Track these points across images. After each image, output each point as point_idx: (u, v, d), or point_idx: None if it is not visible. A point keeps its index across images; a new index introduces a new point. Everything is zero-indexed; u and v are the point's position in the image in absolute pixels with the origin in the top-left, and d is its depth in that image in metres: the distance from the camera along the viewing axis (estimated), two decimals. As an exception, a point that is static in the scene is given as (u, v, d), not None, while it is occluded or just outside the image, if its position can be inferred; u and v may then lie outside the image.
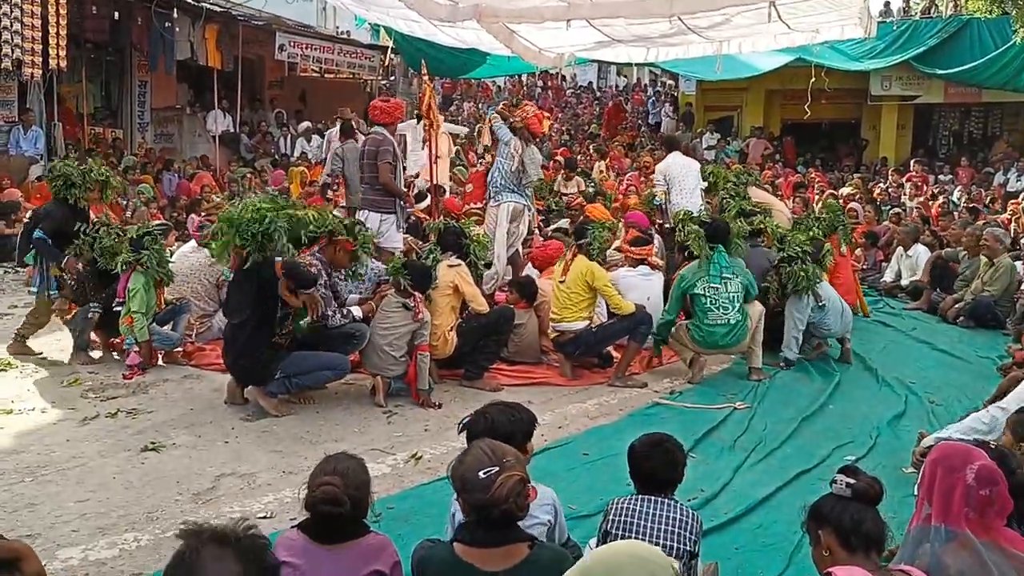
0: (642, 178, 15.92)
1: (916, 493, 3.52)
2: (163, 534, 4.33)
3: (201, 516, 4.53)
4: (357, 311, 6.54)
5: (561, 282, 7.24)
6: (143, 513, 4.56)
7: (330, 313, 6.31)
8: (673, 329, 7.34)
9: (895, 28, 20.30)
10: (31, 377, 6.91)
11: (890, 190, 16.88)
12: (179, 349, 7.30)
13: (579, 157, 20.30)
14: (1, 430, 5.72)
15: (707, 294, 7.06)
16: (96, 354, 7.29)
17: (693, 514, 3.43)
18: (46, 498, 4.72)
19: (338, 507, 2.87)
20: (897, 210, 14.03)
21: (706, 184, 10.31)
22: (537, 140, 9.19)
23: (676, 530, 3.33)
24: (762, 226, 8.57)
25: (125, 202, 13.56)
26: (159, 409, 6.16)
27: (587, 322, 7.16)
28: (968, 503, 2.97)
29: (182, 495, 4.80)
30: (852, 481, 2.94)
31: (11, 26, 12.96)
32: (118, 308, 6.98)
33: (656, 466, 3.46)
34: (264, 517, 4.54)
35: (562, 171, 14.05)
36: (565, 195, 13.07)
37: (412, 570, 2.98)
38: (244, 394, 6.27)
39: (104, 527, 4.40)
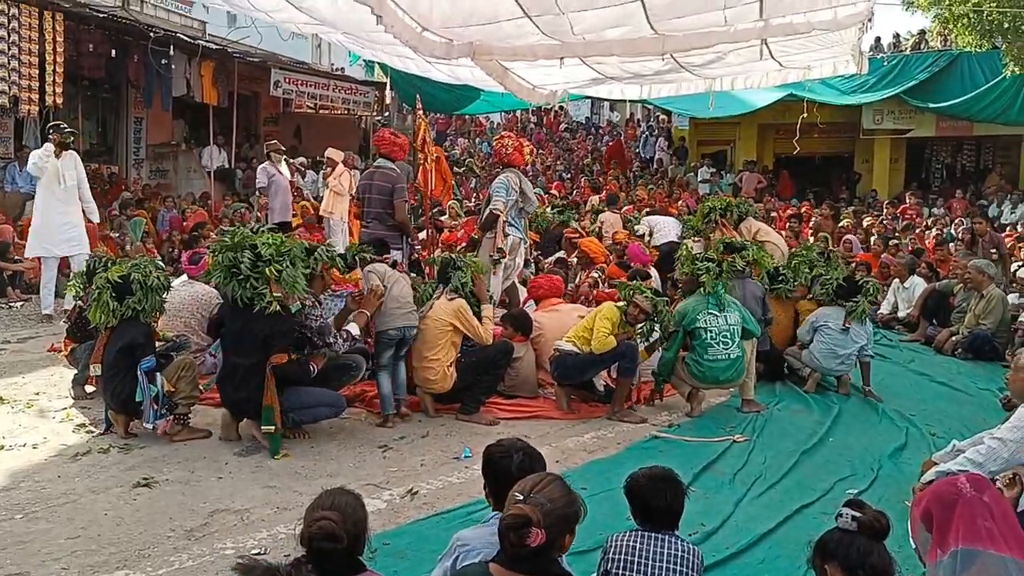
0: (635, 212, 15.96)
1: (913, 544, 3.49)
2: (155, 571, 4.26)
3: (194, 553, 4.46)
4: (354, 328, 6.47)
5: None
6: (135, 550, 4.48)
7: (331, 340, 6.24)
8: (671, 364, 7.29)
9: (885, 63, 20.47)
10: (23, 412, 6.83)
11: (885, 222, 16.93)
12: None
13: (573, 192, 20.41)
14: (-8, 466, 5.65)
15: (709, 328, 7.01)
16: (90, 388, 7.21)
17: (694, 550, 3.37)
18: (36, 535, 4.63)
19: (334, 543, 2.81)
20: (895, 242, 14.05)
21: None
22: (522, 168, 9.15)
23: (678, 567, 3.26)
24: (752, 258, 8.53)
25: (119, 236, 13.58)
26: (151, 444, 6.08)
27: (574, 348, 7.07)
28: (979, 515, 2.94)
29: (175, 531, 4.72)
30: (858, 514, 2.90)
31: (8, 63, 13.04)
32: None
33: (660, 501, 3.38)
34: (258, 553, 4.46)
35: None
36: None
37: None
38: (238, 429, 6.21)
39: (95, 565, 4.32)
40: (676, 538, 3.36)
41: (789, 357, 8.30)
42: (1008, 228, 17.23)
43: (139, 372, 5.99)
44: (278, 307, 5.87)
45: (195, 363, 6.52)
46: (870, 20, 8.54)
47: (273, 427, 5.93)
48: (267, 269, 5.87)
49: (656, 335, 7.41)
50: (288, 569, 2.56)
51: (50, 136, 10.21)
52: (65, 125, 10.55)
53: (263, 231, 6.22)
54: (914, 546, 3.49)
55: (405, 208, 8.62)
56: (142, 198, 16.75)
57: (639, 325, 7.24)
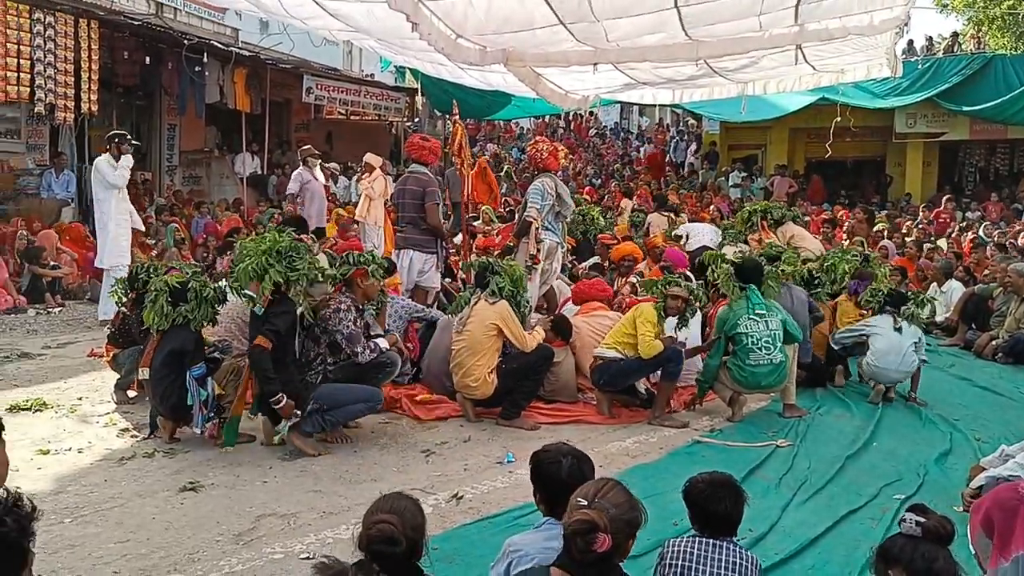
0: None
1: (973, 551, 3.44)
2: (205, 575, 4.28)
3: (243, 557, 4.48)
4: (383, 342, 6.52)
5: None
6: (184, 554, 4.50)
7: (359, 350, 6.27)
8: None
9: (919, 66, 20.31)
10: (67, 417, 6.89)
11: (922, 226, 16.80)
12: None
13: (604, 197, 20.39)
14: (39, 471, 5.69)
15: (750, 333, 6.96)
16: (132, 393, 7.27)
17: (751, 557, 3.34)
18: (86, 539, 4.67)
19: (393, 547, 2.80)
20: (930, 246, 13.96)
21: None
22: (557, 173, 9.17)
23: (734, 574, 3.23)
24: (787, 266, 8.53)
25: (154, 242, 13.70)
26: (196, 448, 6.12)
27: (618, 354, 7.03)
28: None
29: (223, 536, 4.74)
30: (922, 520, 2.86)
31: (44, 71, 13.20)
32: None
33: (719, 507, 3.35)
34: (306, 558, 4.47)
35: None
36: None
37: None
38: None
39: (146, 568, 4.34)
40: (734, 544, 3.33)
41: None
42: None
43: (189, 378, 6.05)
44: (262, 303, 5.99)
45: (242, 368, 6.55)
46: (906, 24, 8.49)
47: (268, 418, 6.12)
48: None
49: (696, 315, 7.55)
50: (354, 570, 2.57)
51: (119, 146, 10.35)
52: (128, 135, 10.81)
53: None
54: (973, 552, 3.45)
55: (437, 211, 8.64)
56: (175, 204, 16.90)
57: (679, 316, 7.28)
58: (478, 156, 15.06)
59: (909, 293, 8.18)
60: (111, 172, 10.31)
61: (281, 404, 5.90)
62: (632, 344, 6.98)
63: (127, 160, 10.36)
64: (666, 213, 14.50)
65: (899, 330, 7.80)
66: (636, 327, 6.98)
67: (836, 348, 8.23)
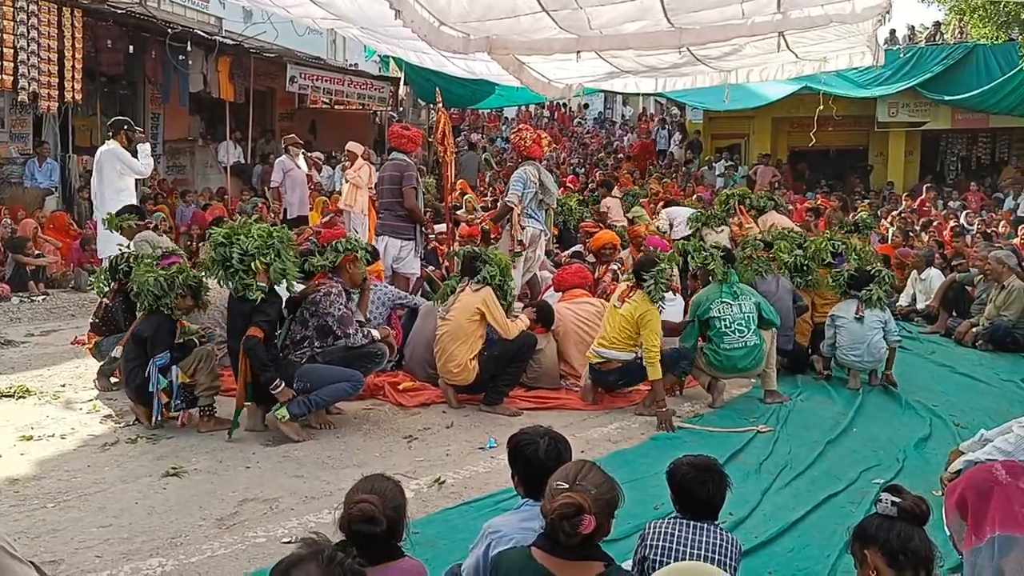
0: (651, 205, 15.99)
1: (947, 532, 3.48)
2: (187, 559, 4.28)
3: (225, 541, 4.49)
4: (375, 333, 6.54)
5: (616, 307, 6.92)
6: (167, 538, 4.51)
7: (351, 332, 6.29)
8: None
9: (901, 55, 20.41)
10: (50, 404, 6.89)
11: (904, 215, 16.89)
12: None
13: (588, 186, 20.42)
14: (21, 456, 5.69)
15: (722, 316, 7.02)
16: (115, 380, 7.26)
17: (732, 539, 3.37)
18: (69, 524, 4.68)
19: (374, 526, 2.82)
20: (912, 233, 14.06)
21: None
22: (541, 160, 9.20)
23: (716, 556, 3.26)
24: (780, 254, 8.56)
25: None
26: (178, 434, 6.12)
27: (634, 354, 6.86)
28: (1016, 500, 2.94)
29: (205, 520, 4.75)
30: (898, 500, 2.89)
31: (28, 59, 13.13)
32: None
33: (702, 491, 3.37)
34: (288, 542, 4.48)
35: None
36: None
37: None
38: (264, 419, 6.24)
39: (128, 552, 4.35)
40: (716, 527, 3.36)
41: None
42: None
43: (151, 367, 6.09)
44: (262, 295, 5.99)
45: (214, 354, 6.52)
46: (888, 12, 8.53)
47: (253, 403, 6.15)
48: (253, 262, 6.01)
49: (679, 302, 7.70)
50: (332, 551, 2.59)
51: (127, 134, 10.24)
52: (132, 122, 10.73)
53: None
54: (949, 534, 3.49)
55: (414, 195, 8.62)
56: (159, 193, 16.84)
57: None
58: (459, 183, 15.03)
59: (872, 271, 8.16)
60: (135, 161, 10.22)
61: (280, 389, 5.98)
62: (638, 342, 6.80)
63: (147, 147, 10.34)
64: (615, 196, 14.49)
65: (860, 319, 7.81)
66: (641, 332, 6.70)
67: (829, 352, 8.17)
